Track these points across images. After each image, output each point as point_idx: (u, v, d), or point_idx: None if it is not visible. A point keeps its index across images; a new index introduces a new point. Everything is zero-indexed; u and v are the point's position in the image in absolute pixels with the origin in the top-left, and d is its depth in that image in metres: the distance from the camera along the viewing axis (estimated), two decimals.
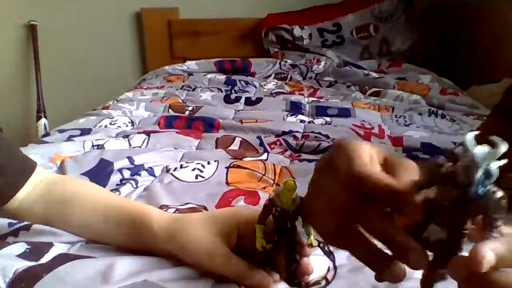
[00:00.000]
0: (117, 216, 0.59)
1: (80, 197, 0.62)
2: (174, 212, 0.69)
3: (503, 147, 0.31)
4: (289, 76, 1.81)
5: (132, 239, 0.57)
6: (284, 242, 0.48)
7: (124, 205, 0.60)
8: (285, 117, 1.27)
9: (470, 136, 0.31)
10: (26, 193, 0.62)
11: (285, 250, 0.49)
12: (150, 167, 0.88)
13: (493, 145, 0.31)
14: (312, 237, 0.49)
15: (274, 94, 1.55)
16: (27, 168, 0.64)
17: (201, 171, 0.85)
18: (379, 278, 0.40)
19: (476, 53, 1.90)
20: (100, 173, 0.85)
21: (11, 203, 0.61)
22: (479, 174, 0.31)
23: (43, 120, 2.17)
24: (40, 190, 0.63)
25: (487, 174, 0.31)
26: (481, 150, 0.31)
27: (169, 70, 1.85)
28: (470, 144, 0.31)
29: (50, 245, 0.59)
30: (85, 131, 1.11)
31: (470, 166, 0.31)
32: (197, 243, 0.52)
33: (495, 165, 0.31)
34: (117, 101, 1.45)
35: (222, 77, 1.73)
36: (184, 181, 0.82)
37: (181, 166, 0.87)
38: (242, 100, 1.43)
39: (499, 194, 0.32)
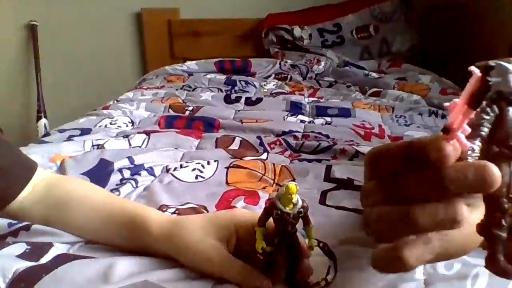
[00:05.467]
0: (116, 218, 0.59)
1: (79, 198, 0.62)
2: (174, 212, 0.69)
3: None
4: (289, 76, 1.81)
5: (131, 241, 0.57)
6: (285, 244, 0.48)
7: (123, 207, 0.60)
8: (285, 117, 1.26)
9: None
10: (25, 194, 0.62)
11: (285, 252, 0.49)
12: (150, 167, 0.88)
13: None
14: (312, 239, 0.49)
15: (274, 94, 1.55)
16: (28, 169, 0.63)
17: (201, 171, 0.85)
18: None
19: (476, 53, 1.90)
20: (100, 173, 0.85)
21: (11, 204, 0.61)
22: None
23: (43, 120, 2.17)
24: (40, 191, 0.63)
25: None
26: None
27: (169, 70, 1.85)
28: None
29: (49, 245, 0.59)
30: (85, 131, 1.11)
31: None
32: (196, 248, 0.52)
33: None
34: (117, 101, 1.45)
35: (222, 77, 1.73)
36: (184, 181, 0.82)
37: (181, 166, 0.87)
38: (242, 100, 1.43)
39: None
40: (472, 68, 0.31)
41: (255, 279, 0.49)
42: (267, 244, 0.48)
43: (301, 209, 0.47)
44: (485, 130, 0.31)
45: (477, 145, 0.33)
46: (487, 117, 0.31)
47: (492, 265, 0.35)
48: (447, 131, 0.31)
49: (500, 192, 0.35)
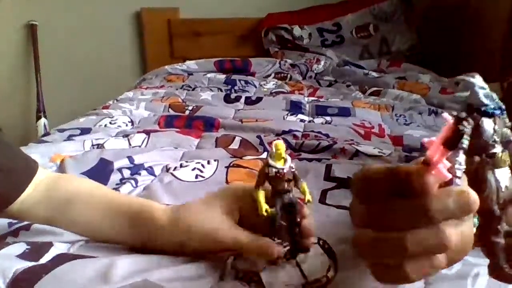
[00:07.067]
0: (121, 212, 0.59)
1: (83, 195, 0.62)
2: None
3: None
4: (289, 75, 1.81)
5: (137, 234, 0.57)
6: (283, 204, 0.50)
7: (127, 201, 0.61)
8: (285, 117, 1.26)
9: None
10: (27, 194, 0.62)
11: (285, 213, 0.50)
12: (150, 167, 0.88)
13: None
14: (307, 194, 0.51)
15: (274, 94, 1.55)
16: (30, 169, 0.63)
17: (201, 171, 0.85)
18: None
19: (476, 53, 1.90)
20: (100, 172, 0.85)
21: (13, 204, 0.61)
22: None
23: (43, 120, 2.18)
24: (41, 190, 0.62)
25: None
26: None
27: (169, 70, 1.85)
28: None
29: (49, 245, 0.59)
30: (85, 131, 1.11)
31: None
32: (202, 223, 0.53)
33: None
34: (117, 100, 1.45)
35: (222, 77, 1.73)
36: (184, 180, 0.82)
37: (181, 166, 0.87)
38: (242, 100, 1.43)
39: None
40: (445, 115, 0.33)
41: (267, 245, 0.50)
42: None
43: (292, 165, 0.50)
44: (465, 142, 0.32)
45: (461, 157, 0.34)
46: (466, 130, 0.32)
47: (497, 273, 0.36)
48: (428, 164, 0.32)
49: (490, 200, 0.35)
